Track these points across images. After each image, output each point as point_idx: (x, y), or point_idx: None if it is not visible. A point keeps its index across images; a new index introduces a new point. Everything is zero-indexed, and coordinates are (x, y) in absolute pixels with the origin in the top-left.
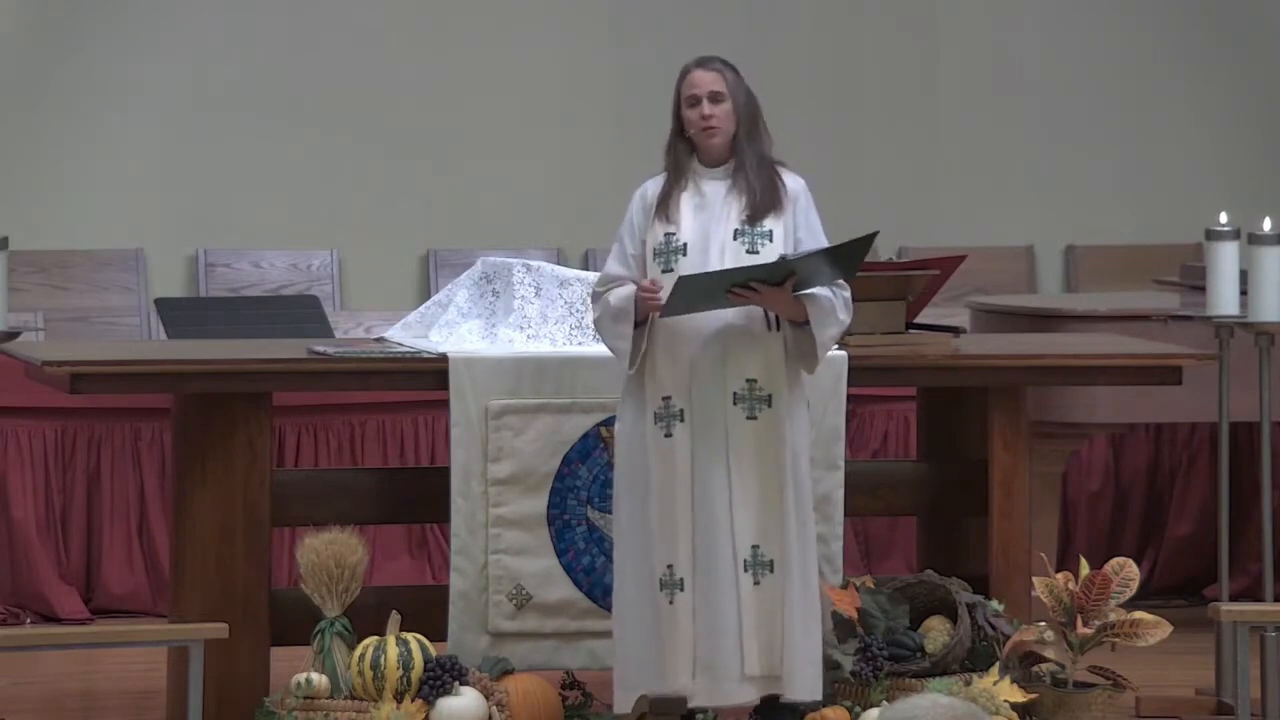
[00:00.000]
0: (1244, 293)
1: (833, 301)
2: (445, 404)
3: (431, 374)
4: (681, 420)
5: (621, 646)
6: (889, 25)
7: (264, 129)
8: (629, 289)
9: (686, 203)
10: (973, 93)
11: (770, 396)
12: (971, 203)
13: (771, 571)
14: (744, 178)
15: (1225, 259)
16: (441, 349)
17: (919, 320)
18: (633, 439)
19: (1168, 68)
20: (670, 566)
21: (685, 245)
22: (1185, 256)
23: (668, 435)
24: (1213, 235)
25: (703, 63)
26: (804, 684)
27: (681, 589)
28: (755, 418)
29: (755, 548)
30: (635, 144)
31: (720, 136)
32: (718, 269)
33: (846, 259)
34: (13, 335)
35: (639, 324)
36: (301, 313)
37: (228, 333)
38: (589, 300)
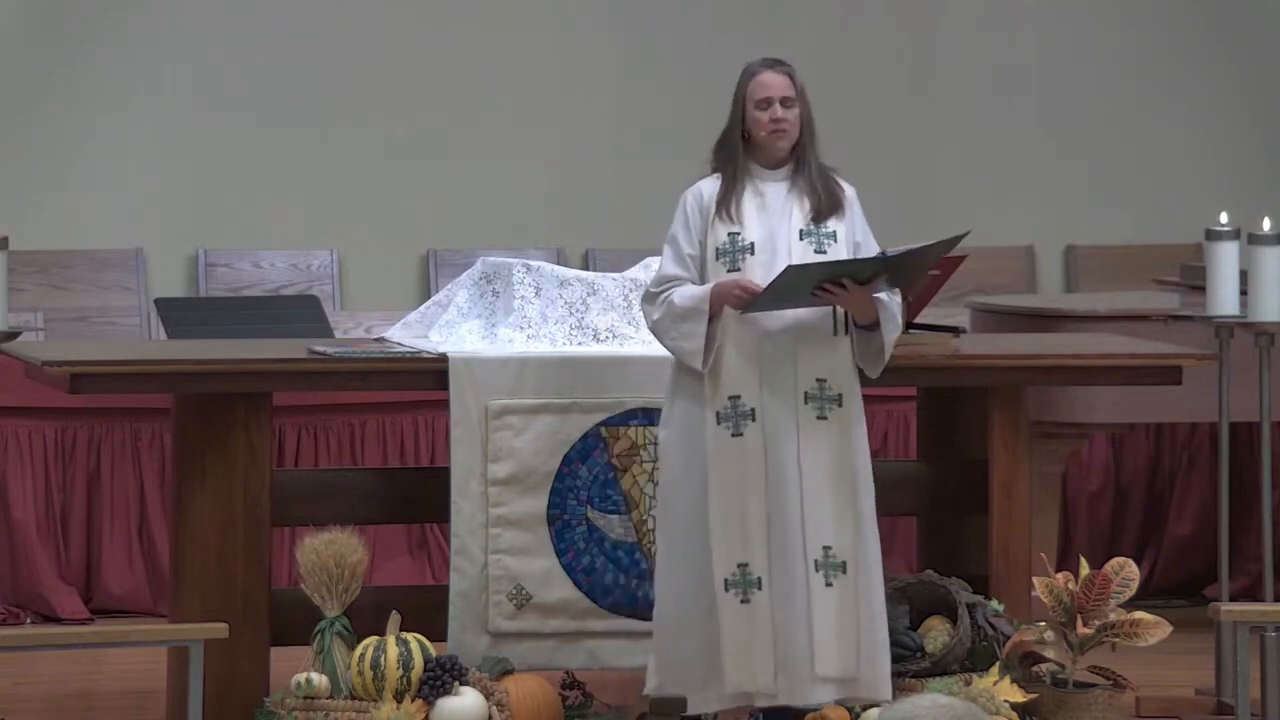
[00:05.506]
0: (1244, 293)
1: (895, 307)
2: (445, 404)
3: (431, 374)
4: (753, 419)
5: (671, 650)
6: (889, 25)
7: (264, 129)
8: (698, 289)
9: (748, 203)
10: (972, 93)
11: (840, 396)
12: (971, 203)
13: (844, 573)
14: (805, 180)
15: (1225, 259)
16: (441, 349)
17: (919, 320)
18: (690, 440)
19: (1168, 68)
20: (743, 566)
21: (752, 245)
22: (1185, 256)
23: (736, 434)
24: (1213, 235)
25: (772, 65)
26: (887, 686)
27: (759, 588)
28: (825, 418)
29: (827, 549)
30: (635, 144)
31: (789, 140)
32: (827, 261)
33: (924, 261)
34: (13, 335)
35: (710, 320)
36: (301, 313)
37: (228, 333)
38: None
